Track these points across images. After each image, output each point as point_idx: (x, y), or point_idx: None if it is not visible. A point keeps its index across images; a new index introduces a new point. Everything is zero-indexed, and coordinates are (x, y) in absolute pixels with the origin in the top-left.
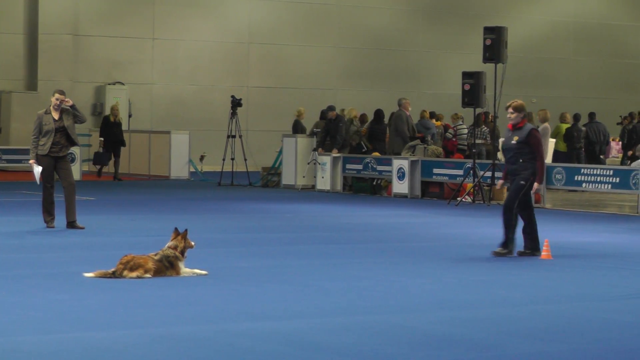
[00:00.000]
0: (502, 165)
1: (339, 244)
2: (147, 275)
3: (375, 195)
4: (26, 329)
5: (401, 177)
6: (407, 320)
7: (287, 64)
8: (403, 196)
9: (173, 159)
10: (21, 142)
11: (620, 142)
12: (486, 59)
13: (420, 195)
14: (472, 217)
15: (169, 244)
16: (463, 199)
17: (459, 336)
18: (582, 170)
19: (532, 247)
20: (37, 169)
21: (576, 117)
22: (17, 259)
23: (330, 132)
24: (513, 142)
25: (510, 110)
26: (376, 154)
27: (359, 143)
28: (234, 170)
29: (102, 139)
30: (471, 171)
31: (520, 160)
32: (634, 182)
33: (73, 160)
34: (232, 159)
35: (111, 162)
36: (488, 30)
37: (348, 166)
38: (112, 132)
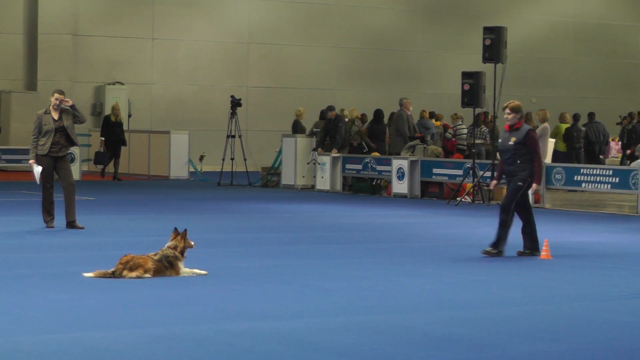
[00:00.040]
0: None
1: (338, 244)
2: (147, 275)
3: (374, 195)
4: (26, 328)
5: (401, 177)
6: (407, 320)
7: (286, 64)
8: (403, 196)
9: (173, 159)
10: (21, 142)
11: (620, 142)
12: (486, 59)
13: (420, 195)
14: (472, 217)
15: (169, 244)
16: (463, 199)
17: (458, 336)
18: (582, 170)
19: (532, 247)
20: (37, 169)
21: (576, 117)
22: (16, 259)
23: (330, 132)
24: (510, 143)
25: (507, 111)
26: (376, 154)
27: (360, 143)
28: (234, 170)
29: (102, 138)
30: (471, 171)
31: (518, 162)
32: (633, 182)
33: (73, 160)
34: (232, 159)
35: (111, 162)
36: (488, 30)
37: (348, 166)
38: (113, 132)
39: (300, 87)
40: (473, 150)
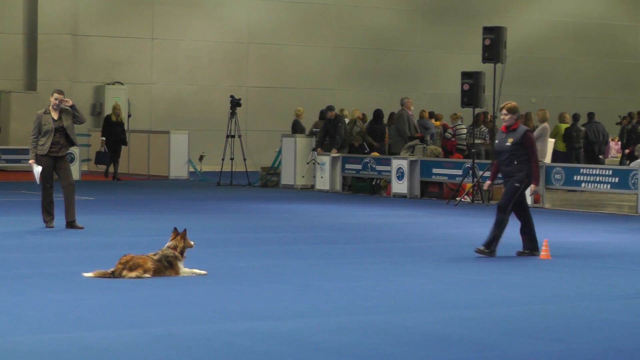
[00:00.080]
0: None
1: (338, 244)
2: (146, 275)
3: (374, 195)
4: (25, 328)
5: (400, 177)
6: (407, 320)
7: (286, 64)
8: (402, 196)
9: (172, 159)
10: (20, 142)
11: (620, 142)
12: (485, 59)
13: (420, 195)
14: (471, 217)
15: (169, 243)
16: (462, 199)
17: (458, 336)
18: (581, 170)
19: (531, 247)
20: (37, 169)
21: (575, 117)
22: (16, 259)
23: (330, 132)
24: (507, 144)
25: (504, 111)
26: (375, 154)
27: (362, 144)
28: (233, 170)
29: (103, 138)
30: (470, 171)
31: (515, 162)
32: (633, 182)
33: (72, 160)
34: (232, 159)
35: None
36: (487, 30)
37: (347, 166)
38: (114, 132)
39: (299, 87)
40: (472, 150)
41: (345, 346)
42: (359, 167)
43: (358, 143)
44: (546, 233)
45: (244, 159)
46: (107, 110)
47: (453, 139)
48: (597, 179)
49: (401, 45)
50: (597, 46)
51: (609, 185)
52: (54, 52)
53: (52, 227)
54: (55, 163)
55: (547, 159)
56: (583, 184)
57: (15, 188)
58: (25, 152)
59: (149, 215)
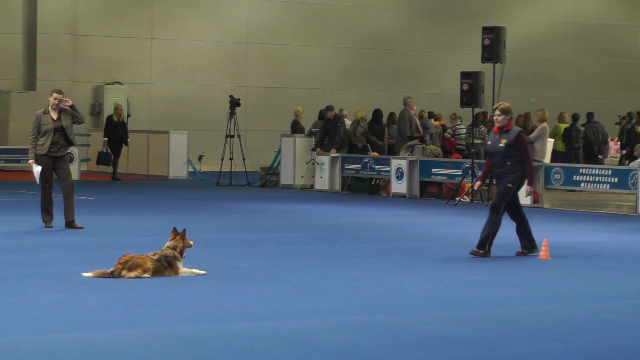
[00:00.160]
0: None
1: (337, 244)
2: (146, 275)
3: (373, 195)
4: (25, 328)
5: (400, 177)
6: (406, 320)
7: (285, 63)
8: (401, 196)
9: (171, 158)
10: (20, 142)
11: (619, 142)
12: (485, 59)
13: (419, 195)
14: (471, 217)
15: (168, 243)
16: (461, 199)
17: (458, 336)
18: (581, 170)
19: (529, 246)
20: (37, 169)
21: (574, 117)
22: (15, 259)
23: (329, 132)
24: (501, 145)
25: (497, 112)
26: (374, 153)
27: (365, 145)
28: (233, 170)
29: (105, 138)
30: (470, 171)
31: (508, 163)
32: (632, 182)
33: (72, 160)
34: (231, 159)
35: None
36: (486, 30)
37: (347, 166)
38: (115, 132)
39: (299, 87)
40: (472, 150)
41: (345, 346)
42: (359, 167)
43: (362, 144)
44: (546, 233)
45: (243, 159)
46: (107, 110)
47: (452, 139)
48: (597, 179)
49: (401, 45)
50: (596, 46)
51: (608, 185)
52: (53, 52)
53: (51, 227)
54: (54, 163)
55: (547, 159)
56: (582, 184)
57: (14, 188)
58: (24, 152)
59: (149, 215)
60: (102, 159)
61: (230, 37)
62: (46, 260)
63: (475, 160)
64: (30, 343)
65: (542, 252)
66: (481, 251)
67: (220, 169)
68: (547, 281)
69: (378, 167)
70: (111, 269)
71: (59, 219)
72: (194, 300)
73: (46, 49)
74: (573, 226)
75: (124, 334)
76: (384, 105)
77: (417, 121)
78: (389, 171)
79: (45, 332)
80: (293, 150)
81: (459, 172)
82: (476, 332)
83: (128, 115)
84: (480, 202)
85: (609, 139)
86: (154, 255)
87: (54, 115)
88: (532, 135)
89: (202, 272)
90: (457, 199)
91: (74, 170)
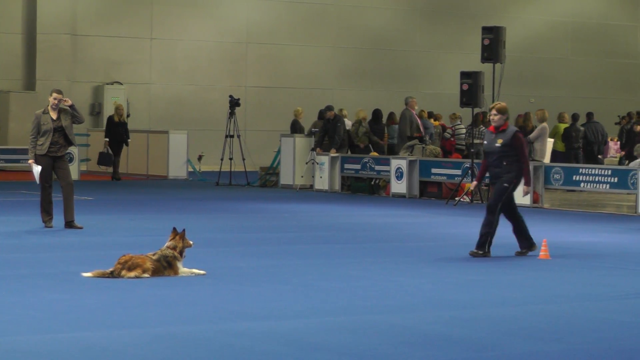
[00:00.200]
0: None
1: (337, 244)
2: (145, 275)
3: (373, 195)
4: (24, 328)
5: (399, 177)
6: (406, 320)
7: (285, 63)
8: (401, 196)
9: (171, 158)
10: (19, 142)
11: (619, 142)
12: (484, 59)
13: (419, 195)
14: (471, 217)
15: (168, 243)
16: (461, 199)
17: (457, 336)
18: (580, 170)
19: (528, 245)
20: (37, 169)
21: (574, 117)
22: (15, 259)
23: (329, 132)
24: (497, 144)
25: (494, 112)
26: (374, 153)
27: (367, 146)
28: (232, 170)
29: (107, 139)
30: (469, 171)
31: (504, 163)
32: (632, 182)
33: (71, 160)
34: (230, 159)
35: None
36: (486, 30)
37: (346, 166)
38: (117, 132)
39: (298, 87)
40: (472, 150)
41: (345, 346)
42: (358, 167)
43: (364, 145)
44: (545, 233)
45: (243, 159)
46: (106, 110)
47: (452, 139)
48: (596, 179)
49: (400, 45)
50: (596, 46)
51: (608, 185)
52: (52, 52)
53: (51, 227)
54: (54, 163)
55: (546, 159)
56: (582, 184)
57: (14, 188)
58: (24, 152)
59: (148, 215)
60: (103, 159)
61: (230, 37)
62: (46, 260)
63: (475, 160)
64: (30, 343)
65: (542, 252)
66: (480, 252)
67: (220, 169)
68: (547, 281)
69: (378, 167)
70: (111, 269)
71: (58, 219)
72: (193, 300)
73: (46, 49)
74: (573, 226)
75: (124, 334)
76: (384, 105)
77: (419, 121)
78: (388, 171)
79: (45, 332)
80: (293, 150)
81: (458, 172)
82: (476, 332)
83: (127, 115)
84: (480, 202)
85: (609, 139)
86: (153, 255)
87: (54, 115)
88: (531, 135)
89: (201, 272)
90: (456, 199)
91: (74, 170)
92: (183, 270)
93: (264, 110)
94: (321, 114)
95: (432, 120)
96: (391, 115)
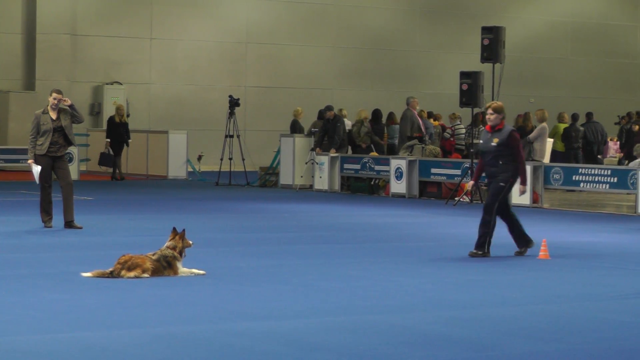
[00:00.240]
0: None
1: (337, 244)
2: (145, 275)
3: (373, 195)
4: (24, 328)
5: (399, 177)
6: (406, 320)
7: (285, 63)
8: (401, 196)
9: (171, 158)
10: (19, 142)
11: (618, 142)
12: (484, 59)
13: (418, 195)
14: (470, 217)
15: (168, 243)
16: (461, 199)
17: (457, 336)
18: (580, 170)
19: (525, 243)
20: (36, 169)
21: (574, 117)
22: (15, 259)
23: (328, 132)
24: (493, 144)
25: (490, 111)
26: (374, 153)
27: (369, 146)
28: (232, 170)
29: (108, 140)
30: (469, 171)
31: (500, 162)
32: (631, 182)
33: (71, 160)
34: (230, 159)
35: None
36: (486, 30)
37: (346, 166)
38: (117, 133)
39: (298, 87)
40: (471, 150)
41: (344, 346)
42: (358, 167)
43: (366, 145)
44: (545, 233)
45: (243, 159)
46: (106, 110)
47: (452, 139)
48: (596, 179)
49: (400, 45)
50: (596, 46)
51: (607, 185)
52: (52, 52)
53: (50, 227)
54: (53, 163)
55: (546, 159)
56: (582, 184)
57: (13, 188)
58: (23, 152)
59: (148, 215)
60: (103, 159)
61: (229, 37)
62: (46, 260)
63: (475, 160)
64: (30, 343)
65: (542, 252)
66: (480, 252)
67: (220, 169)
68: (547, 281)
69: (377, 167)
70: (110, 269)
71: (58, 219)
72: (193, 300)
73: (45, 49)
74: (572, 226)
75: (124, 334)
76: (384, 105)
77: (420, 121)
78: (388, 171)
79: (45, 332)
80: (292, 150)
81: (458, 172)
82: (476, 332)
83: (127, 115)
84: (479, 201)
85: (609, 139)
86: (153, 255)
87: (53, 115)
88: (531, 135)
89: (201, 272)
90: (456, 198)
91: (74, 170)
92: (183, 270)
93: (264, 110)
94: (321, 114)
95: (431, 120)
96: (391, 115)
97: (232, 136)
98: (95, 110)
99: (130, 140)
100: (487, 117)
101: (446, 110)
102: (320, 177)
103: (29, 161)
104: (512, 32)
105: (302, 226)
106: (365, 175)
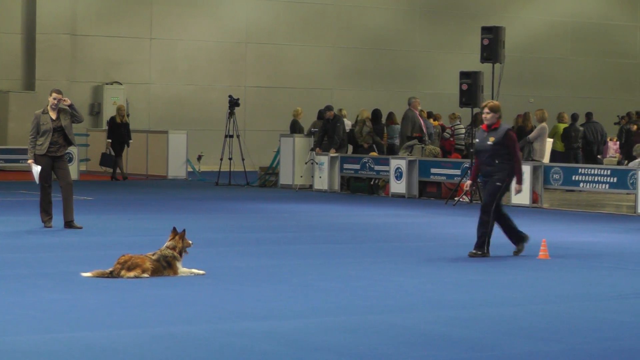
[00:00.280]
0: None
1: (336, 244)
2: (145, 275)
3: (372, 195)
4: (24, 328)
5: (399, 176)
6: (405, 320)
7: (284, 63)
8: (400, 196)
9: (171, 158)
10: (19, 142)
11: (618, 142)
12: (484, 59)
13: (418, 195)
14: (470, 217)
15: (167, 243)
16: (460, 199)
17: (457, 336)
18: (580, 170)
19: (520, 241)
20: (36, 169)
21: (574, 117)
22: (14, 259)
23: (328, 132)
24: (489, 143)
25: (486, 110)
26: (374, 153)
27: (371, 145)
28: (232, 170)
29: (109, 140)
30: (469, 171)
31: (496, 162)
32: (631, 182)
33: (71, 160)
34: (230, 159)
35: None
36: (486, 30)
37: (346, 166)
38: (119, 133)
39: (298, 87)
40: (471, 150)
41: (344, 346)
42: (357, 167)
43: (368, 145)
44: (545, 233)
45: (243, 159)
46: (106, 110)
47: (451, 139)
48: (596, 179)
49: (400, 45)
50: (595, 46)
51: (607, 185)
52: (52, 52)
53: (50, 227)
54: (53, 163)
55: (546, 159)
56: (581, 184)
57: (13, 188)
58: (23, 152)
59: (148, 215)
60: (104, 160)
61: (229, 37)
62: (45, 260)
63: (475, 160)
64: (30, 343)
65: (542, 252)
66: (479, 252)
67: (220, 169)
68: (547, 281)
69: (377, 167)
70: (110, 269)
71: (58, 219)
72: (193, 300)
73: (45, 49)
74: (572, 226)
75: (124, 334)
76: (384, 105)
77: (422, 121)
78: (388, 171)
79: (45, 332)
80: (292, 150)
81: (457, 172)
82: (476, 332)
83: (127, 115)
84: (479, 201)
85: (608, 139)
86: (153, 255)
87: (53, 115)
88: (531, 135)
89: (201, 272)
90: (456, 198)
91: (73, 170)
92: (182, 270)
93: (264, 110)
94: (320, 114)
95: (431, 120)
96: (390, 115)
97: (231, 136)
98: (95, 110)
99: (131, 141)
100: (483, 115)
101: (446, 110)
102: (320, 177)
103: (29, 161)
104: (512, 32)
105: (302, 226)
106: (365, 175)
